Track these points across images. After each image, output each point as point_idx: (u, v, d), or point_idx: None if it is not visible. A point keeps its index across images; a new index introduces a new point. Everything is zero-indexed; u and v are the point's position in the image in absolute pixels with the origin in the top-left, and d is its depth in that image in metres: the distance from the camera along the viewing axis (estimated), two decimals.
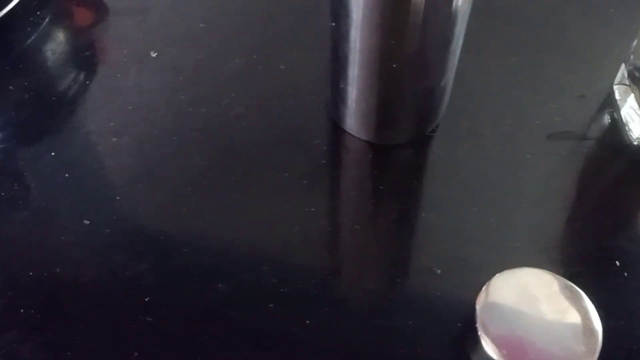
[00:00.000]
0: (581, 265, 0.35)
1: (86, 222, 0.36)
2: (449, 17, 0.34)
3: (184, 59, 0.46)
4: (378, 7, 0.33)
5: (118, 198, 0.37)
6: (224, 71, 0.45)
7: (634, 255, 0.35)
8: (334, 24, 0.36)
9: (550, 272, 0.31)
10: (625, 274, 0.34)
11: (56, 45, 0.48)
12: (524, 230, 0.36)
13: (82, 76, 0.45)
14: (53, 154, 0.40)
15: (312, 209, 0.37)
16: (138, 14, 0.50)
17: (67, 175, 0.39)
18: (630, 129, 0.40)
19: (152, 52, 0.46)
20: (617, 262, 0.35)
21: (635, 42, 0.40)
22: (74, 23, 0.51)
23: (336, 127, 0.41)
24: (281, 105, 0.43)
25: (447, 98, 0.40)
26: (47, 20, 0.49)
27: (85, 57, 0.46)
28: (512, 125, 0.41)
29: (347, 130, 0.41)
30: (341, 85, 0.38)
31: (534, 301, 0.30)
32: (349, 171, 0.41)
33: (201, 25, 0.48)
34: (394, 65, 0.35)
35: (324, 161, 0.40)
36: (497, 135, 0.40)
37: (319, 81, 0.42)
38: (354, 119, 0.40)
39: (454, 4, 0.33)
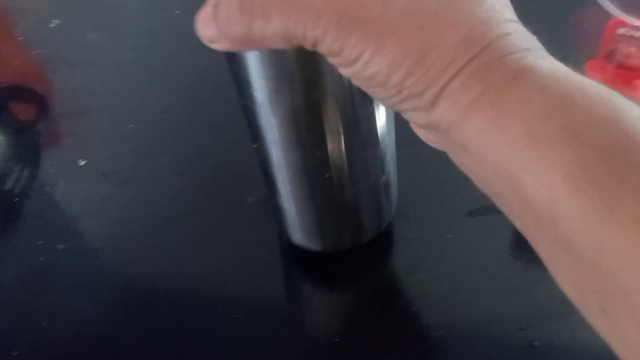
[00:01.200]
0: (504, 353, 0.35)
1: (14, 353, 0.37)
2: (369, 122, 0.32)
3: (114, 164, 0.46)
4: (291, 126, 0.30)
5: (45, 324, 0.38)
6: (153, 173, 0.45)
7: (550, 333, 0.36)
8: (255, 145, 0.33)
9: None
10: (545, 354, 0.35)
11: None
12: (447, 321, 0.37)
13: (15, 192, 0.45)
14: None
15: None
16: (75, 116, 0.50)
17: None
18: None
19: (79, 161, 0.46)
20: (536, 342, 0.35)
21: None
22: (11, 124, 0.52)
23: (284, 240, 0.39)
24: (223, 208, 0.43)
25: (395, 198, 0.39)
26: None
27: (15, 171, 0.47)
28: (433, 206, 0.41)
29: (296, 243, 0.38)
30: (278, 203, 0.36)
31: None
32: (300, 293, 0.41)
33: (130, 125, 0.49)
34: (326, 176, 0.33)
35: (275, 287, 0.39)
36: (418, 218, 0.41)
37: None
38: (300, 233, 0.37)
39: (373, 108, 0.31)
